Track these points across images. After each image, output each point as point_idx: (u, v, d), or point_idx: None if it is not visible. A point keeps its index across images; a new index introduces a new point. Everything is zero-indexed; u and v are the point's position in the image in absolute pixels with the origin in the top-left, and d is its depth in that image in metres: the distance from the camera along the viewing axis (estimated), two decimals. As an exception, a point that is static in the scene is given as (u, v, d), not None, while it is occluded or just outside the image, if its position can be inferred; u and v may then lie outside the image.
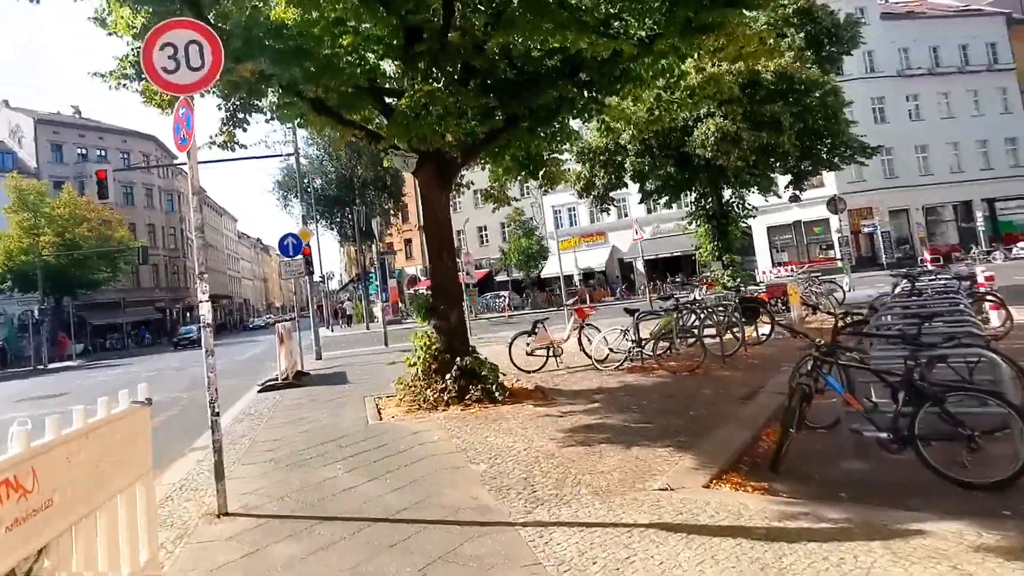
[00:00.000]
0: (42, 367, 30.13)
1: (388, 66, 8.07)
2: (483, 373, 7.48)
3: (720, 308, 10.14)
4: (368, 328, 32.80)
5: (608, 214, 33.86)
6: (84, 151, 47.67)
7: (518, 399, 7.39)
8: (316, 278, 22.01)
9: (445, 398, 7.27)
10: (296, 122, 9.03)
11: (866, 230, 34.12)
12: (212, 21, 6.03)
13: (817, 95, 14.56)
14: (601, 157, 16.07)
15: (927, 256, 30.54)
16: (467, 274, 17.60)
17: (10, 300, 37.54)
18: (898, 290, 8.43)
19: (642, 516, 3.56)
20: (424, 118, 6.54)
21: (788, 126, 13.63)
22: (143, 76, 5.54)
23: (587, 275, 39.03)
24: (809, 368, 4.53)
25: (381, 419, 7.20)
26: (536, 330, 9.86)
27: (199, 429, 6.86)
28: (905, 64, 36.59)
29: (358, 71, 7.11)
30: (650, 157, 15.40)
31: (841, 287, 15.07)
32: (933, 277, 8.89)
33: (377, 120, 8.58)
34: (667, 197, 17.45)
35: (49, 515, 2.12)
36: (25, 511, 2.00)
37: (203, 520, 4.21)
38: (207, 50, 4.39)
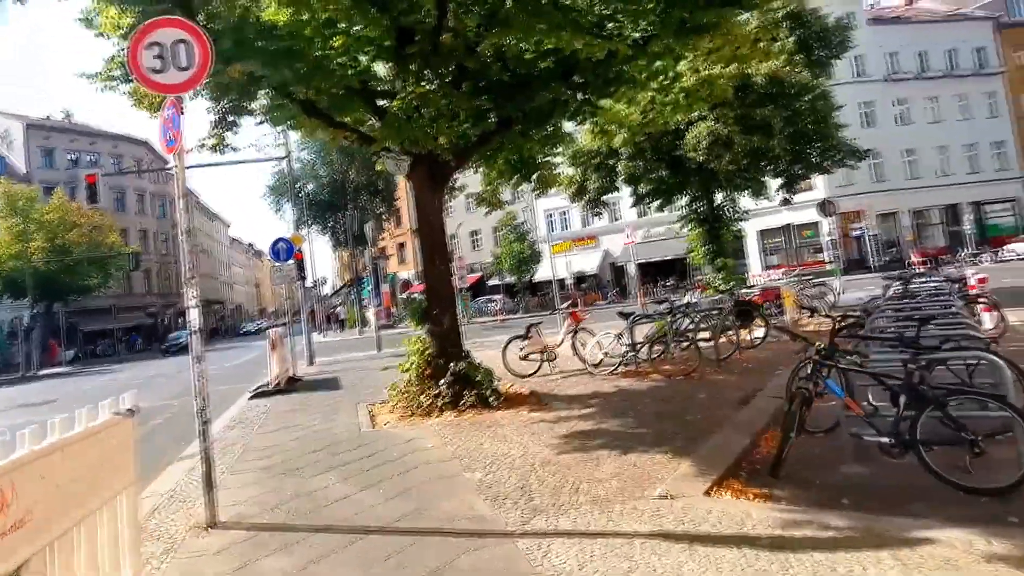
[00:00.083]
0: (32, 374, 29.69)
1: (380, 68, 7.96)
2: (477, 378, 7.38)
3: (715, 312, 10.11)
4: (361, 333, 32.69)
5: (600, 218, 34.11)
6: (75, 156, 47.08)
7: (513, 404, 7.29)
8: (308, 283, 21.80)
9: (439, 404, 7.16)
10: (287, 125, 8.91)
11: (855, 233, 34.37)
12: (202, 21, 5.92)
13: (807, 99, 14.67)
14: (594, 160, 16.08)
15: (915, 259, 30.82)
16: (460, 278, 17.51)
17: (0, 306, 36.99)
18: (890, 293, 8.42)
19: (643, 525, 3.48)
20: (416, 120, 6.46)
21: (779, 130, 13.71)
22: (131, 77, 5.42)
23: (579, 279, 39.03)
24: (809, 372, 4.48)
25: (375, 426, 7.09)
26: (530, 334, 9.78)
27: (190, 437, 6.67)
28: (893, 68, 36.89)
29: (350, 72, 6.99)
30: (642, 160, 15.43)
31: (832, 290, 15.10)
32: (925, 280, 8.90)
33: (369, 122, 8.47)
34: (659, 200, 17.49)
35: (26, 533, 2.01)
36: (1, 528, 1.90)
37: (191, 533, 4.08)
38: (195, 49, 4.27)
